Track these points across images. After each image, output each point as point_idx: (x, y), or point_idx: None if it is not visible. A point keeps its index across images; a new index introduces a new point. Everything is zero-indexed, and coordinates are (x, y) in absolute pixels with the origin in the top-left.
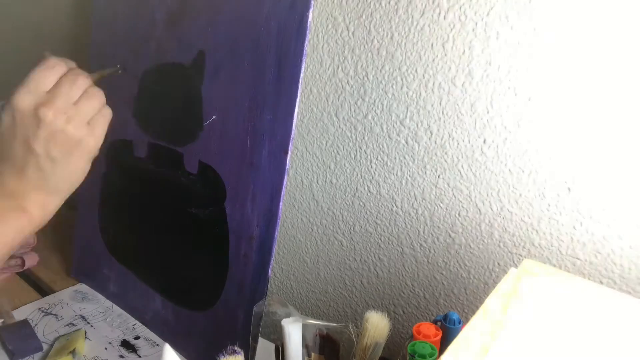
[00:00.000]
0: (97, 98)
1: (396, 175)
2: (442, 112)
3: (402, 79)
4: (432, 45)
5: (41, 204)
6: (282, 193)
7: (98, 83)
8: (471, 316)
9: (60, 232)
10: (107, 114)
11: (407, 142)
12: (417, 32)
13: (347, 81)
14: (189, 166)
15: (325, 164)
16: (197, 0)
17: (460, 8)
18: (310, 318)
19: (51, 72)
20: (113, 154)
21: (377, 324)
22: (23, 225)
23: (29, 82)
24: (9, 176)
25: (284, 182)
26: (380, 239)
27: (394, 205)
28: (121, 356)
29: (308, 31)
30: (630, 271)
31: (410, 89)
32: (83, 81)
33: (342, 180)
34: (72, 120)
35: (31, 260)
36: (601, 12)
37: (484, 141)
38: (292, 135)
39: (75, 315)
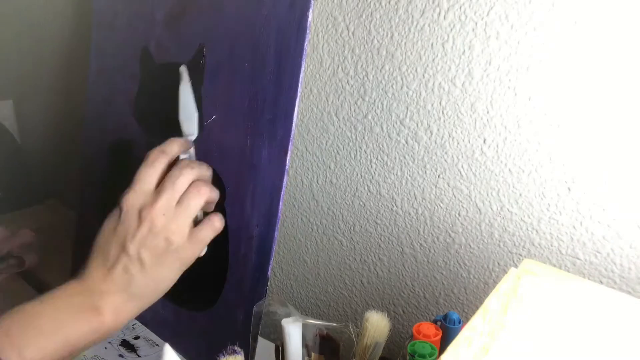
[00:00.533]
0: (202, 196)
1: (396, 175)
2: (442, 112)
3: (402, 79)
4: (432, 45)
5: (117, 308)
6: (282, 193)
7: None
8: (471, 316)
9: (61, 232)
10: (215, 224)
11: (407, 142)
12: (417, 32)
13: (347, 81)
14: None
15: (325, 164)
16: (197, 0)
17: (460, 8)
18: (310, 318)
19: (152, 169)
20: (113, 154)
21: (377, 324)
22: (93, 328)
23: (135, 183)
24: (97, 273)
25: (284, 182)
26: (380, 239)
27: (394, 205)
28: (121, 355)
29: (308, 31)
30: (630, 271)
31: (410, 88)
32: (187, 174)
33: (342, 180)
34: (171, 225)
35: (31, 260)
36: (602, 11)
37: (484, 141)
38: (292, 135)
39: None
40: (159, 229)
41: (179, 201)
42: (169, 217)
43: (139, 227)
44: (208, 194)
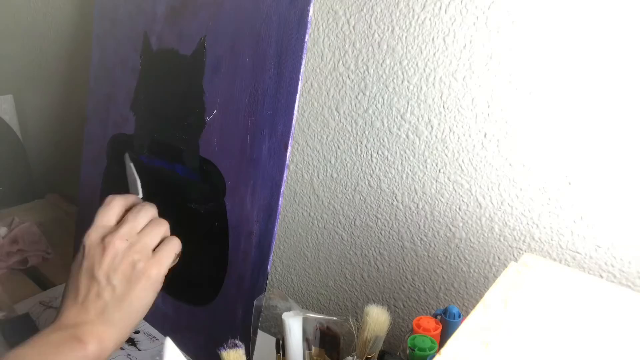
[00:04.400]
0: (162, 226)
1: (397, 169)
2: (443, 106)
3: (402, 73)
4: (433, 39)
5: (98, 336)
6: (282, 188)
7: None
8: (471, 310)
9: (61, 226)
10: (174, 243)
11: (407, 137)
12: (418, 26)
13: (348, 75)
14: (188, 161)
15: (325, 159)
16: None
17: (462, 2)
18: (311, 312)
19: (109, 208)
20: (113, 149)
21: (377, 318)
22: (78, 357)
23: (96, 220)
24: (71, 308)
25: (284, 178)
26: (381, 233)
27: (395, 199)
28: (121, 348)
29: (309, 25)
30: (630, 265)
31: (411, 83)
32: (148, 210)
33: (343, 175)
34: (135, 247)
35: (34, 261)
36: (603, 7)
37: (485, 135)
38: (293, 130)
39: None
40: (123, 253)
41: (141, 230)
42: (132, 242)
43: (104, 254)
44: (168, 228)
